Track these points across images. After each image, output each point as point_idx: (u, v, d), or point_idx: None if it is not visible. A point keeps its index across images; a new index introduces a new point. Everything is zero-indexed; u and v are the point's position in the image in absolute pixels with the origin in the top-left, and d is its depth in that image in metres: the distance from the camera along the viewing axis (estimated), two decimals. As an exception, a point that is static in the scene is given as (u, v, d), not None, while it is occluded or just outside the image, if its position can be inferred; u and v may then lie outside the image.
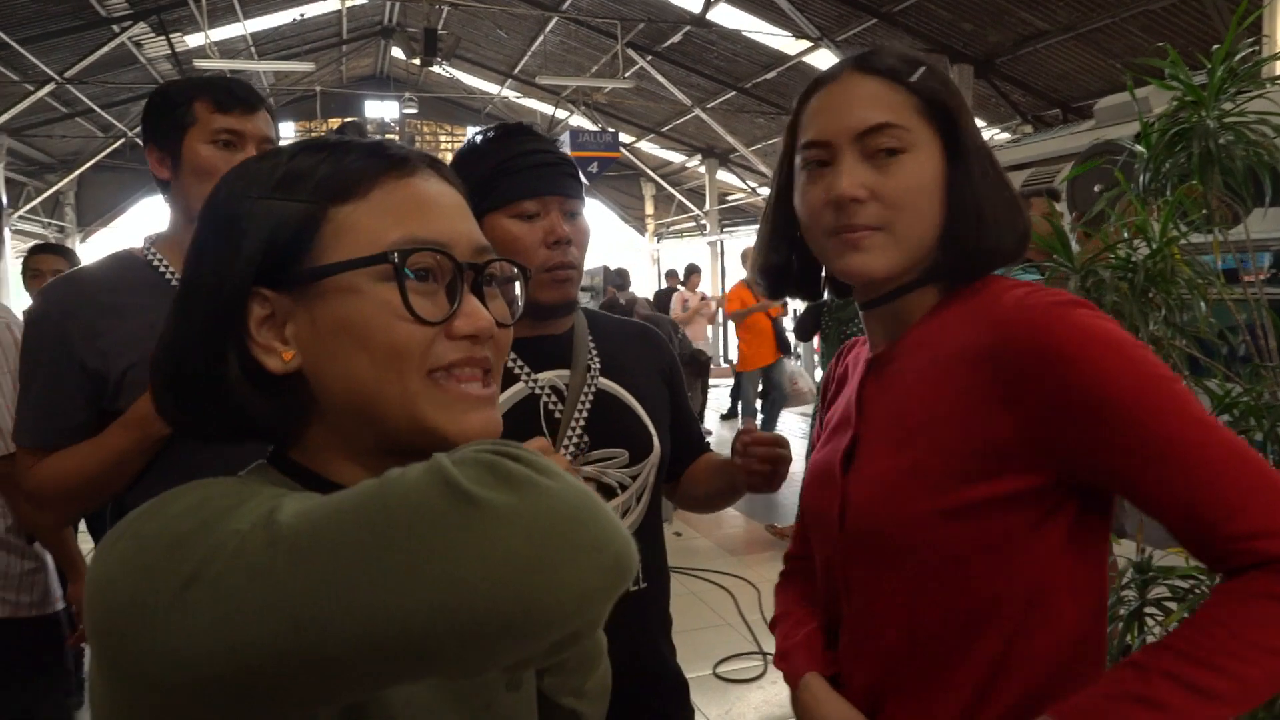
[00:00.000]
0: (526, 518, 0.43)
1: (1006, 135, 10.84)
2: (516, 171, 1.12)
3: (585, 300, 8.98)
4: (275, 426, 0.60)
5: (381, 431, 0.58)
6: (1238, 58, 1.32)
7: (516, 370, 1.15)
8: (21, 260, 3.72)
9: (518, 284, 0.65)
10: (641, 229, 19.47)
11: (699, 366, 6.10)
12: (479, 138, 1.17)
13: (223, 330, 0.57)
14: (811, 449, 1.06)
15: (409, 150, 0.61)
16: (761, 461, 1.15)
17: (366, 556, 0.42)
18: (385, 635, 0.42)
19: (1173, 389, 0.72)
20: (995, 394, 0.77)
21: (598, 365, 1.19)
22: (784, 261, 0.94)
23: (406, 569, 0.42)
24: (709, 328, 9.55)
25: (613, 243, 18.52)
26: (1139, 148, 1.34)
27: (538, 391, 1.15)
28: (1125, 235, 1.25)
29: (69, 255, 3.64)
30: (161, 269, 1.34)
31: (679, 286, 10.05)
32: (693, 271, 9.71)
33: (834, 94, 0.85)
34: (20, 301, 5.74)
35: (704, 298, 9.55)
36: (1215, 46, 1.28)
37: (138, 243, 1.42)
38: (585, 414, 1.15)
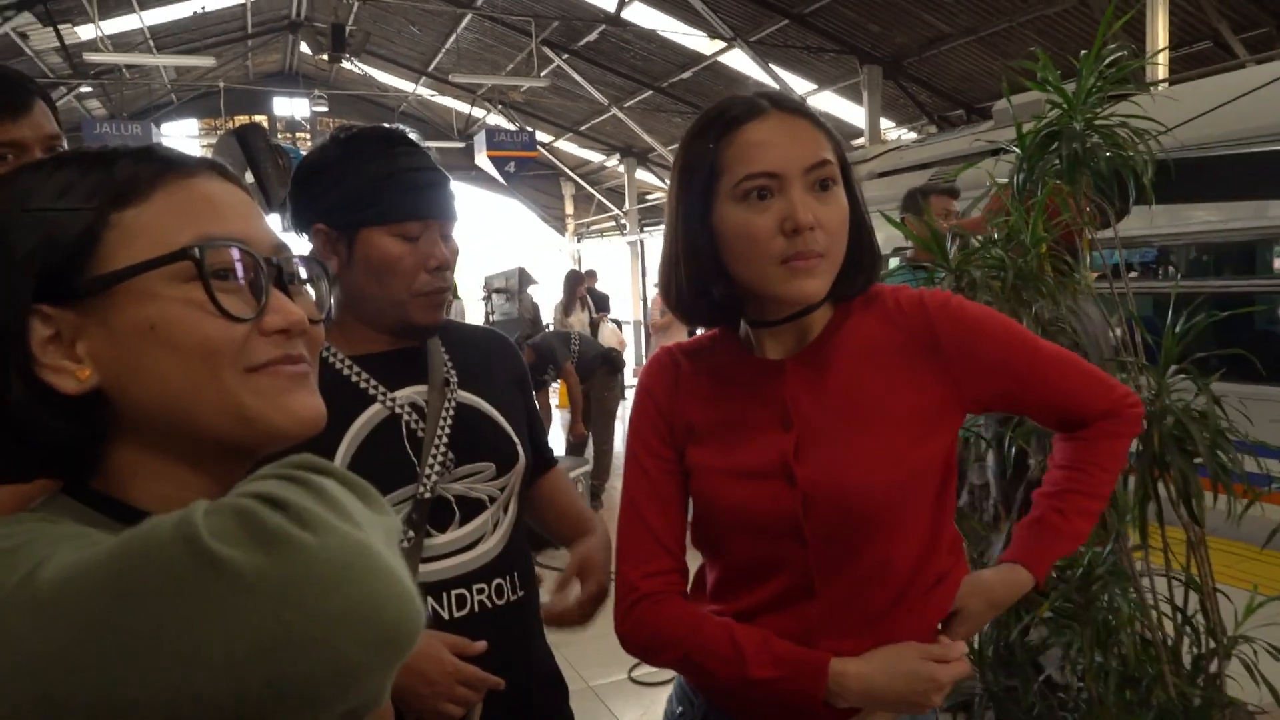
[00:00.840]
0: (273, 584, 0.38)
1: (914, 135, 11.15)
2: (404, 189, 1.08)
3: (501, 302, 8.80)
4: (69, 455, 0.55)
5: (202, 438, 0.54)
6: (1106, 63, 1.36)
7: (371, 391, 1.10)
8: None
9: (325, 282, 0.62)
10: (561, 229, 19.38)
11: (613, 366, 6.09)
12: (344, 135, 1.12)
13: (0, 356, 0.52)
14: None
15: (187, 154, 0.58)
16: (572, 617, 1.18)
17: (103, 626, 0.38)
18: None
19: (1028, 336, 1.03)
20: (928, 369, 0.96)
21: (455, 378, 1.16)
22: (717, 292, 0.96)
23: (141, 644, 0.37)
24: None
25: (533, 242, 18.39)
26: (1006, 154, 1.38)
27: (398, 411, 1.10)
28: (995, 236, 1.29)
29: None
30: None
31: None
32: None
33: (773, 131, 0.91)
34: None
35: None
36: (1084, 52, 1.33)
37: None
38: (448, 430, 1.11)
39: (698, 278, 0.96)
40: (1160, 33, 6.81)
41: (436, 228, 1.11)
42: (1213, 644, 1.37)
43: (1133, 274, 4.05)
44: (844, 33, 9.92)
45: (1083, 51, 1.32)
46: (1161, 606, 1.40)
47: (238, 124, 17.74)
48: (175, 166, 0.56)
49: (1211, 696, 1.31)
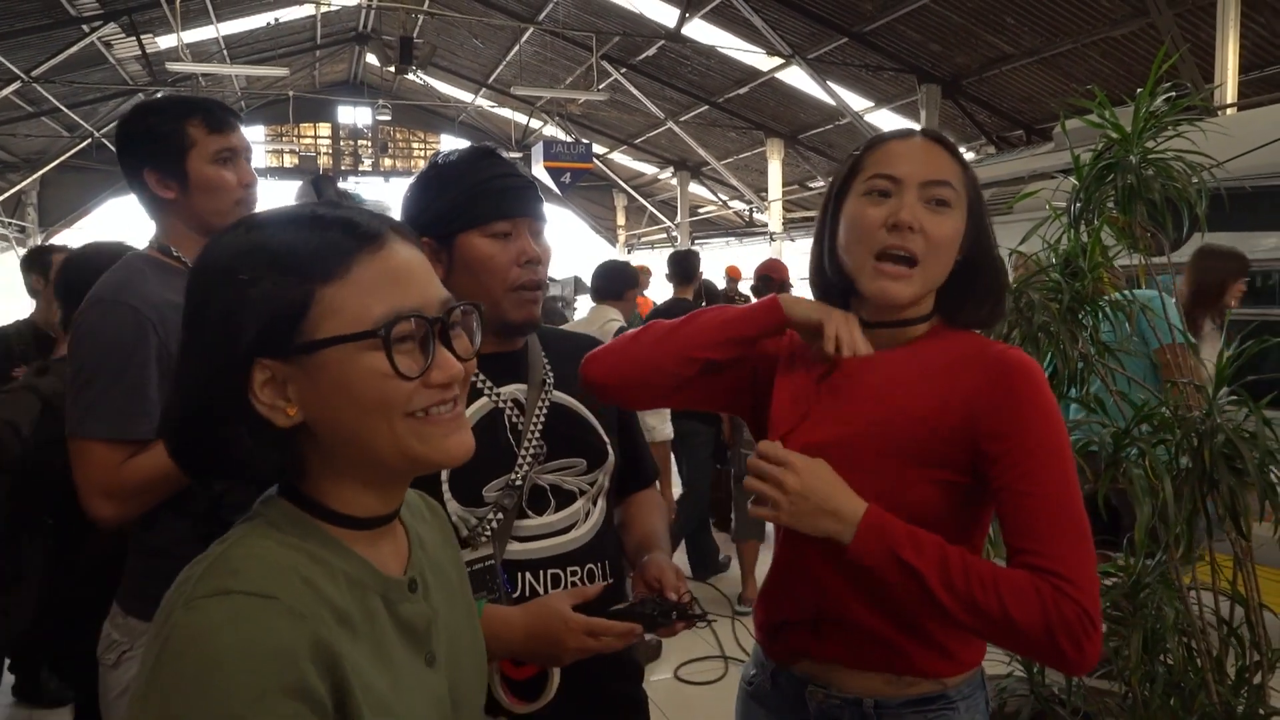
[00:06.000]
0: None
1: (972, 155, 11.09)
2: (490, 194, 1.21)
3: (557, 308, 8.95)
4: (278, 472, 0.68)
5: (377, 465, 0.68)
6: (1160, 99, 1.43)
7: (480, 385, 1.23)
8: (29, 257, 3.49)
9: (476, 317, 0.74)
10: (613, 239, 19.57)
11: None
12: (441, 159, 1.25)
13: (225, 396, 0.65)
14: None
15: (375, 220, 0.69)
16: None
17: None
18: None
19: (1067, 447, 1.02)
20: (968, 401, 1.00)
21: (551, 379, 1.28)
22: (829, 271, 1.12)
23: None
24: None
25: (584, 253, 18.59)
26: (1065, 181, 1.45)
27: (501, 405, 1.23)
28: (1053, 260, 1.36)
29: None
30: None
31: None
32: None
33: (910, 147, 1.08)
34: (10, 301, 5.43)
35: None
36: (1139, 90, 1.40)
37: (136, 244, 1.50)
38: (541, 425, 1.23)
39: (823, 258, 1.13)
40: (1230, 55, 6.70)
41: (525, 225, 1.22)
42: (1257, 656, 1.42)
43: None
44: (903, 52, 9.93)
45: (1138, 90, 1.40)
46: (1208, 618, 1.45)
47: (304, 131, 18.22)
48: (370, 240, 0.67)
49: (1255, 705, 1.36)
